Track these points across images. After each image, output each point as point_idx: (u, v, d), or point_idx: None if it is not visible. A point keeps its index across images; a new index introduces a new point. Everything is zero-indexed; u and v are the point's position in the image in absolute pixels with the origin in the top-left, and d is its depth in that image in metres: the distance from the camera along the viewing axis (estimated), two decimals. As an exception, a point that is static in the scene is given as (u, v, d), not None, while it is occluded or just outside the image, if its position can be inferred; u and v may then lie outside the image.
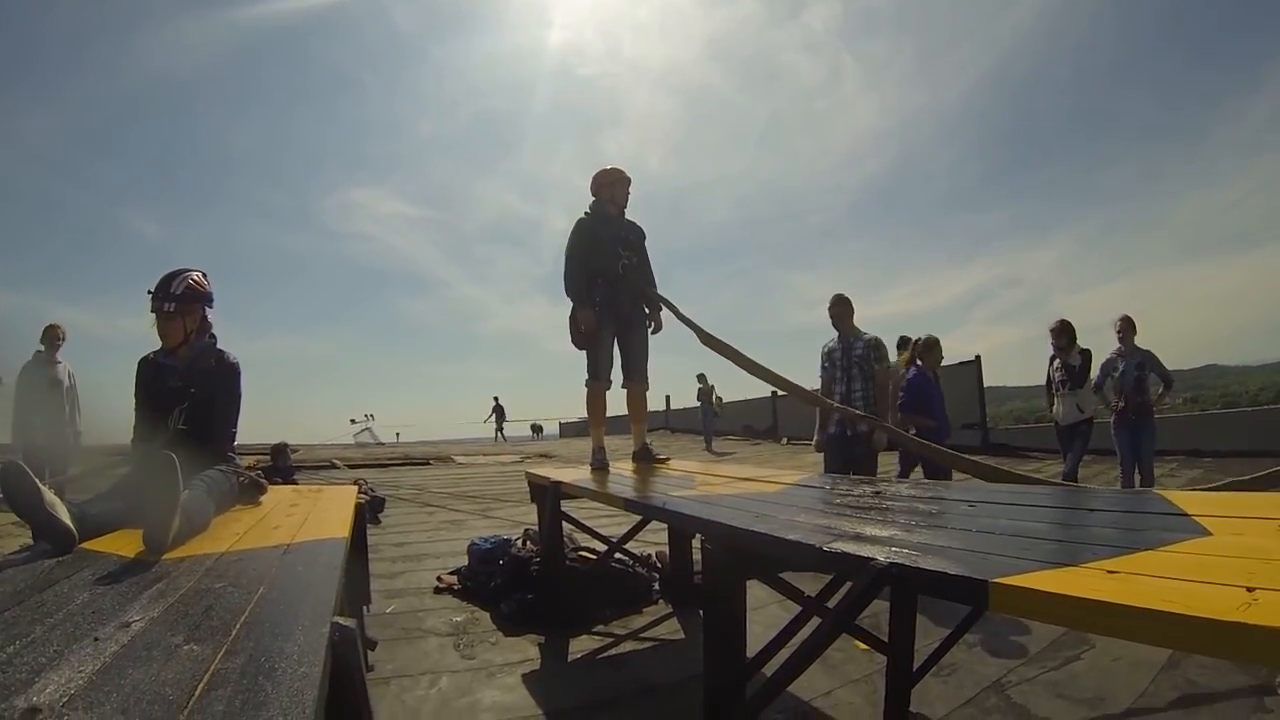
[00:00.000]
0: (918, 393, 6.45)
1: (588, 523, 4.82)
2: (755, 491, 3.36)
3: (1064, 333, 7.24)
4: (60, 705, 0.99)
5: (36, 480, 2.23)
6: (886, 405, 5.66)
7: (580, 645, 3.84)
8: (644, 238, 5.16)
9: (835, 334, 5.91)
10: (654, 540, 5.17)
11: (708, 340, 4.97)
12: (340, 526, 2.63)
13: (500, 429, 29.72)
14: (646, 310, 5.07)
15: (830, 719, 2.98)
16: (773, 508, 2.79)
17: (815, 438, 6.15)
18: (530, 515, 5.56)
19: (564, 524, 4.46)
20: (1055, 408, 7.37)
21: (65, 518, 2.24)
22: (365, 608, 3.92)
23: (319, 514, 2.99)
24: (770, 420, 20.53)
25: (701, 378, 18.72)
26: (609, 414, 5.18)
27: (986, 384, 14.84)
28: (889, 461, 7.20)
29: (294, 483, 7.08)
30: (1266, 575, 1.29)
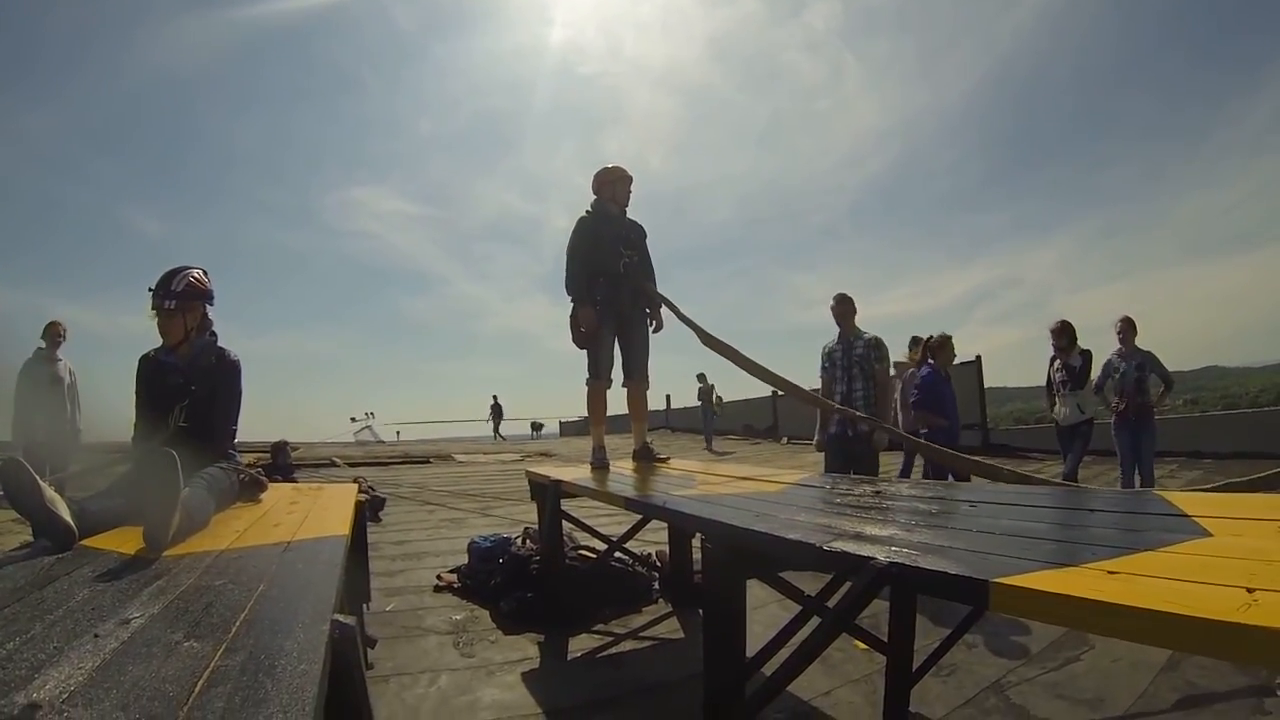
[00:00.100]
0: (931, 391, 6.43)
1: (588, 521, 4.83)
2: (755, 491, 3.36)
3: (1064, 333, 7.24)
4: (60, 702, 0.99)
5: (37, 477, 2.23)
6: (887, 404, 5.66)
7: (580, 644, 3.84)
8: (645, 236, 5.16)
9: (835, 334, 5.91)
10: (654, 539, 5.17)
11: (708, 340, 4.96)
12: (340, 524, 2.63)
13: (497, 427, 29.68)
14: (647, 309, 5.07)
15: (830, 718, 2.98)
16: (773, 507, 2.79)
17: (816, 437, 6.15)
18: (530, 514, 5.56)
19: (564, 523, 4.45)
20: (1056, 408, 7.37)
21: (65, 514, 2.24)
22: (365, 606, 3.92)
23: (319, 512, 2.99)
24: (770, 420, 20.53)
25: (702, 377, 18.73)
26: (609, 413, 5.18)
27: (987, 384, 14.85)
28: (889, 461, 7.20)
29: (294, 481, 7.08)
30: (1267, 576, 1.29)
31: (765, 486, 3.51)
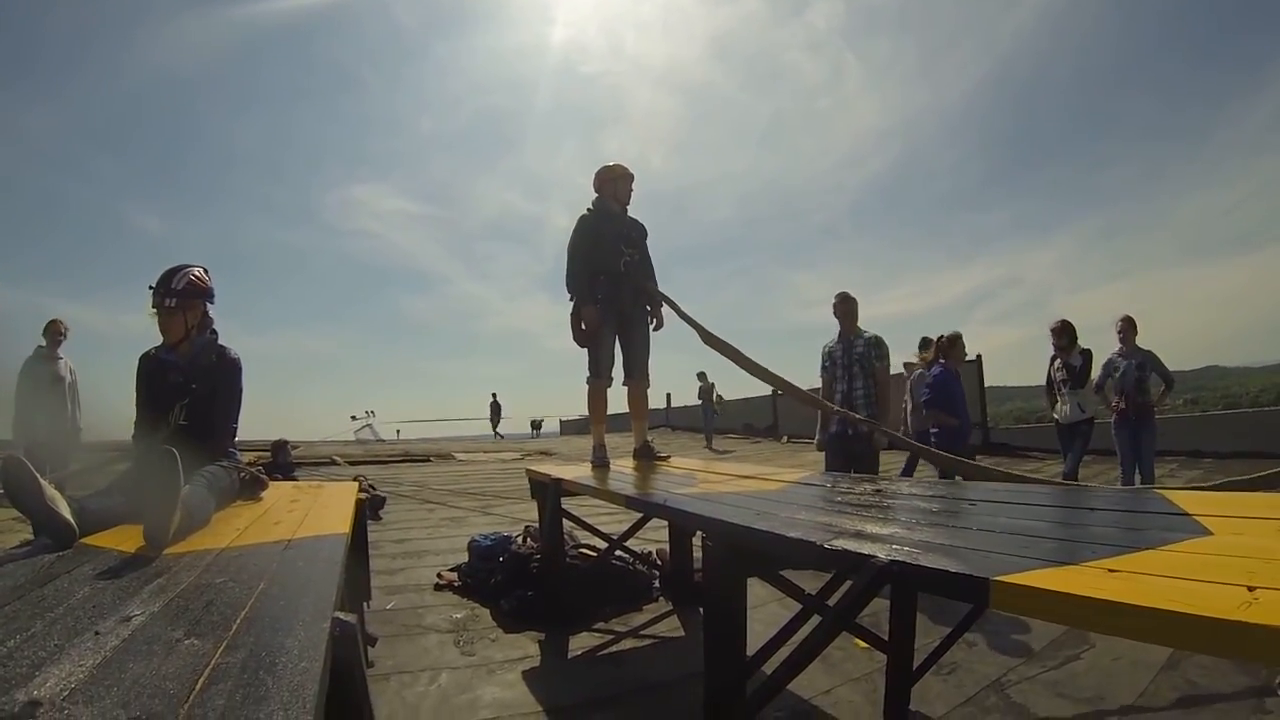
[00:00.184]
0: (943, 390, 6.42)
1: (588, 520, 4.83)
2: (756, 489, 3.36)
3: (1064, 332, 7.25)
4: (61, 699, 0.99)
5: (38, 475, 2.24)
6: (888, 403, 5.64)
7: (580, 642, 3.84)
8: (646, 235, 5.16)
9: (835, 333, 5.90)
10: (654, 538, 5.17)
11: (709, 339, 4.96)
12: (341, 522, 2.63)
13: (496, 425, 29.62)
14: (648, 308, 5.06)
15: (830, 717, 2.98)
16: (774, 505, 2.79)
17: (817, 437, 6.15)
18: (530, 512, 5.56)
19: (565, 521, 4.45)
20: (1057, 407, 7.37)
21: (66, 512, 2.24)
22: (366, 604, 3.92)
23: (319, 510, 2.99)
24: (771, 419, 20.54)
25: (702, 376, 18.75)
26: (610, 411, 5.18)
27: (987, 384, 14.86)
28: (891, 461, 7.20)
29: (294, 479, 7.08)
30: (1267, 575, 1.29)
31: (766, 485, 3.51)
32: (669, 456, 5.09)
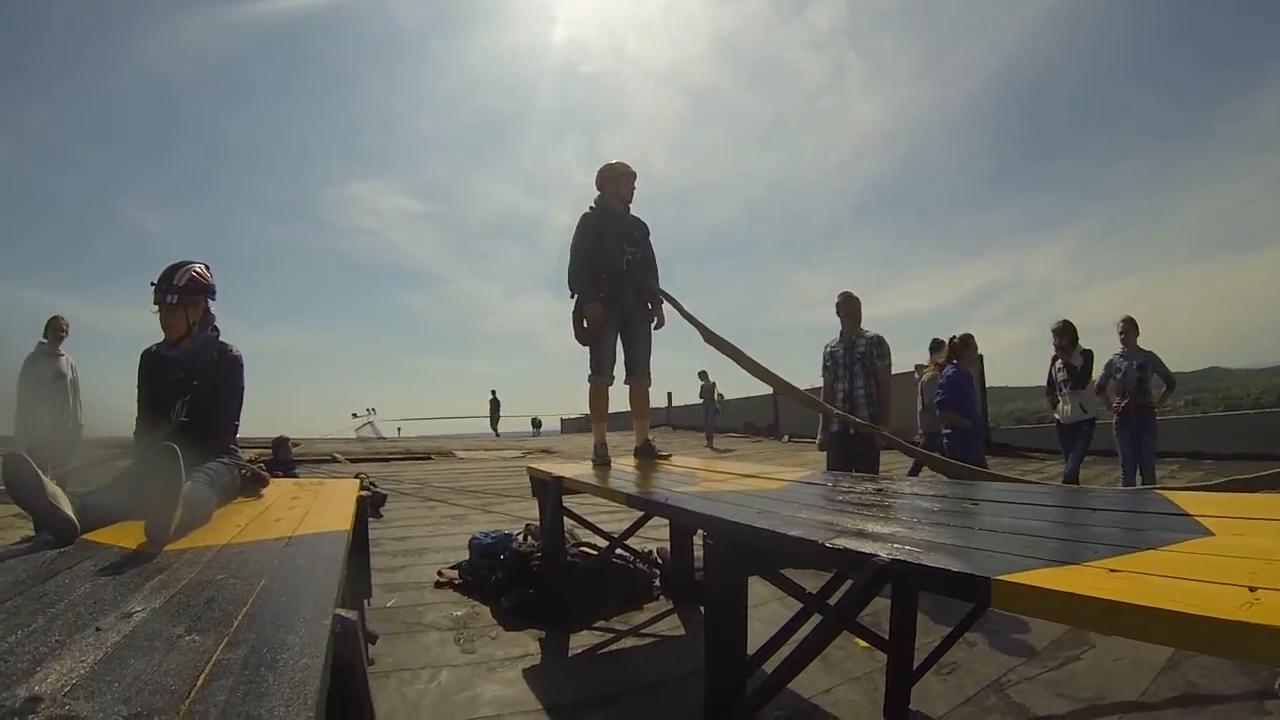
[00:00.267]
0: (956, 390, 6.41)
1: (589, 518, 4.82)
2: (757, 488, 3.36)
3: (1066, 333, 7.25)
4: (62, 695, 0.99)
5: (39, 471, 2.24)
6: (889, 403, 5.64)
7: (581, 640, 3.85)
8: (648, 233, 5.15)
9: (837, 333, 5.90)
10: (655, 537, 5.18)
11: (710, 338, 4.96)
12: (342, 520, 2.63)
13: (495, 423, 29.56)
14: (650, 306, 5.06)
15: (831, 716, 2.98)
16: (775, 504, 2.79)
17: (819, 436, 6.15)
18: (531, 510, 5.56)
19: (565, 519, 4.46)
20: (1058, 407, 7.37)
21: (67, 508, 2.24)
22: (366, 601, 3.92)
23: (320, 507, 2.99)
24: (772, 418, 20.56)
25: (704, 374, 18.77)
26: (611, 410, 5.18)
27: (988, 384, 14.87)
28: (892, 460, 7.20)
29: (295, 476, 7.09)
30: (1269, 575, 1.29)
31: (767, 484, 3.51)
32: (670, 455, 5.09)
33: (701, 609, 3.36)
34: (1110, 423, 7.38)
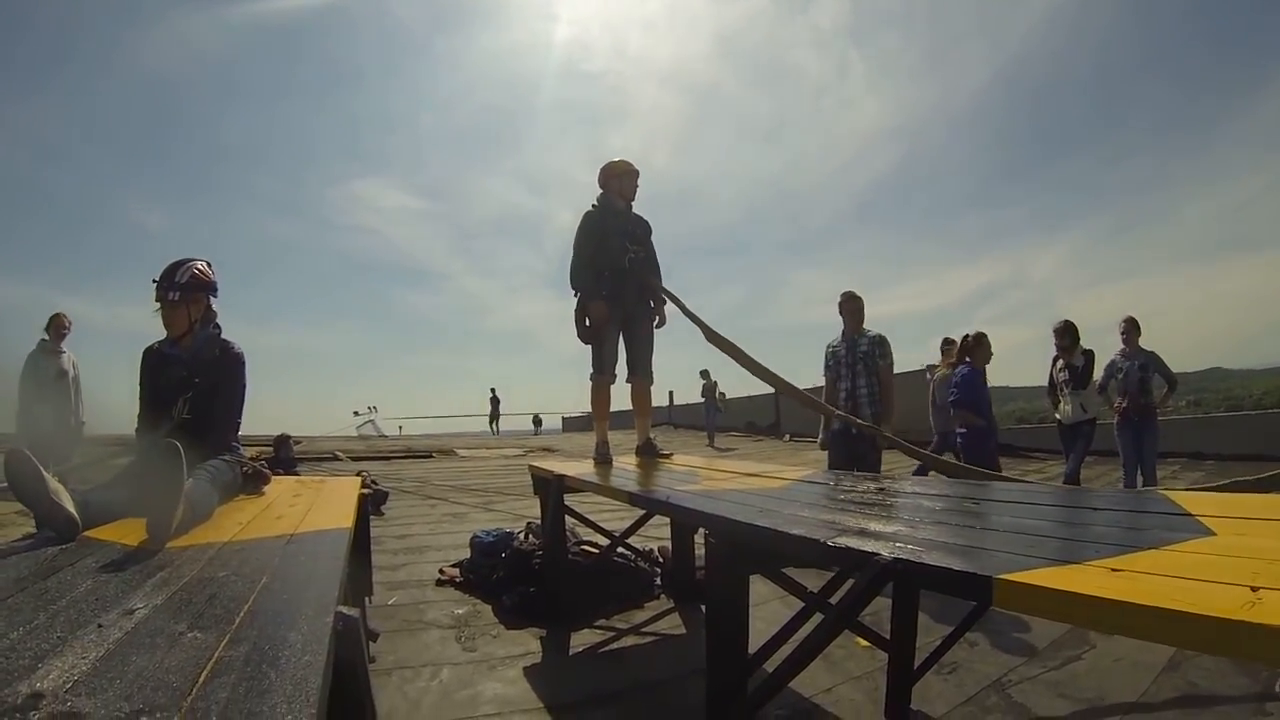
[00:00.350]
0: (970, 390, 6.40)
1: (590, 517, 4.82)
2: (759, 487, 3.36)
3: (1067, 333, 7.25)
4: (64, 691, 0.99)
5: (41, 468, 2.24)
6: (891, 403, 5.64)
7: (582, 639, 3.85)
8: (650, 231, 5.14)
9: (839, 332, 5.90)
10: (656, 535, 5.18)
11: (712, 338, 4.96)
12: (343, 517, 2.64)
13: (494, 421, 29.49)
14: (652, 304, 5.06)
15: (832, 715, 2.98)
16: (777, 503, 2.79)
17: (820, 435, 6.14)
18: (532, 509, 5.56)
19: (567, 518, 4.45)
20: (1059, 408, 7.37)
21: (69, 505, 2.25)
22: (367, 599, 3.92)
23: (322, 504, 3.00)
24: (773, 417, 20.57)
25: (705, 373, 18.78)
26: (612, 408, 5.17)
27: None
28: (893, 461, 7.20)
29: (296, 474, 7.09)
30: (1270, 575, 1.29)
31: (769, 483, 3.51)
32: (671, 454, 5.09)
33: (703, 608, 3.36)
34: (1111, 423, 7.38)
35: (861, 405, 5.58)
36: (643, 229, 5.08)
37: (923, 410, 8.82)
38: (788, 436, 19.03)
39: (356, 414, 28.93)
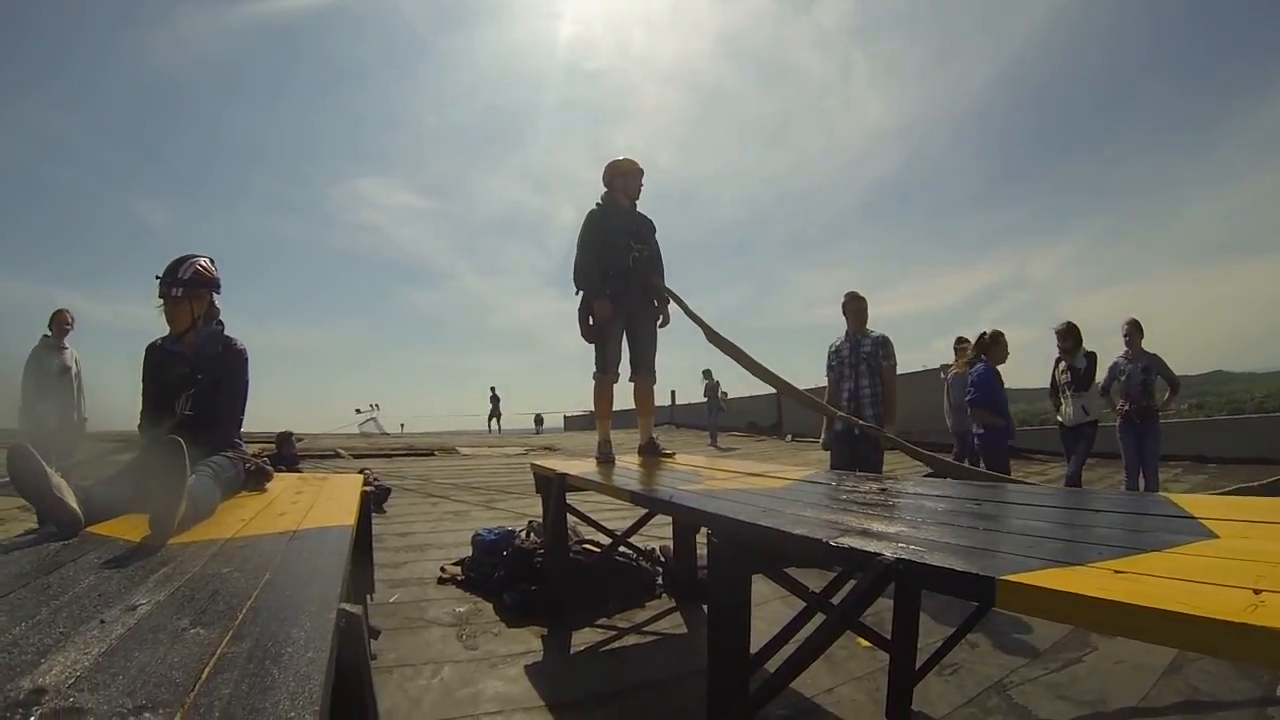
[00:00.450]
0: (987, 389, 6.38)
1: (592, 516, 4.82)
2: (761, 487, 3.36)
3: (1069, 335, 7.23)
4: (66, 687, 0.99)
5: (44, 464, 2.24)
6: (894, 403, 5.63)
7: (583, 638, 3.85)
8: (654, 230, 5.13)
9: (842, 332, 5.90)
10: (658, 535, 5.18)
11: (714, 339, 4.96)
12: (346, 514, 2.64)
13: (491, 420, 29.30)
14: (656, 303, 5.05)
15: (833, 716, 2.98)
16: (779, 502, 2.79)
17: (823, 435, 6.13)
18: (534, 507, 5.56)
19: (568, 516, 4.45)
20: (1061, 409, 7.35)
21: (72, 501, 2.25)
22: (369, 597, 3.92)
23: (324, 501, 3.00)
24: (775, 417, 20.56)
25: (707, 373, 18.77)
26: (614, 407, 5.16)
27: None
28: (895, 461, 7.20)
29: (298, 471, 7.09)
30: (1273, 578, 1.29)
31: (771, 482, 3.51)
32: (674, 453, 5.09)
33: (704, 607, 3.36)
34: (1113, 425, 7.37)
35: (864, 405, 5.58)
36: (647, 228, 5.07)
37: (926, 410, 8.82)
38: (790, 437, 19.03)
39: (359, 411, 28.95)
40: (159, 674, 1.03)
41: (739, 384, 21.74)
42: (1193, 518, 1.99)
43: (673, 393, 25.79)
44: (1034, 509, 2.53)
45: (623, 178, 5.02)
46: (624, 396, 5.09)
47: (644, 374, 5.01)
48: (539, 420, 32.25)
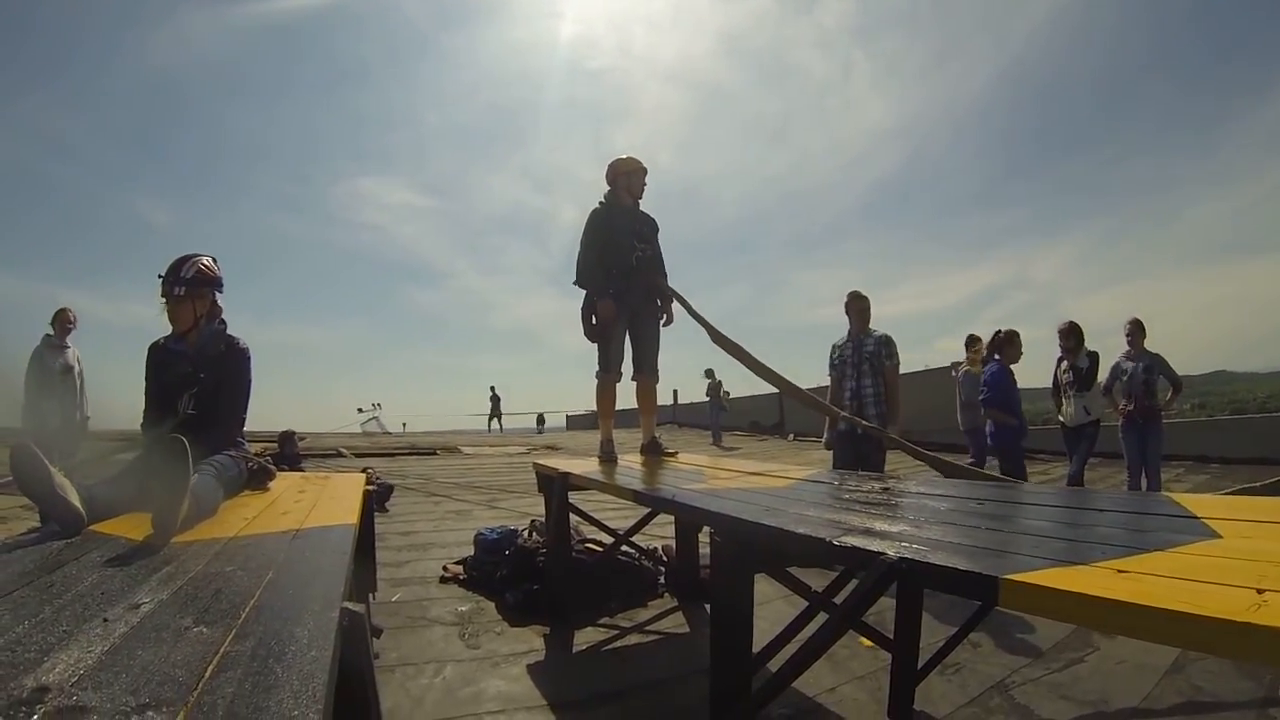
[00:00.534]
0: (1000, 388, 6.37)
1: (594, 515, 4.82)
2: (764, 486, 3.36)
3: (1072, 334, 7.22)
4: (69, 685, 0.99)
5: (47, 462, 2.25)
6: (897, 403, 5.63)
7: (585, 637, 3.85)
8: (657, 229, 5.12)
9: (845, 332, 5.90)
10: (660, 534, 5.17)
11: (718, 339, 4.96)
12: (349, 513, 2.64)
13: (490, 420, 29.22)
14: (658, 303, 5.05)
15: (835, 715, 2.97)
16: (782, 501, 2.79)
17: (825, 435, 6.13)
18: (536, 507, 5.56)
19: (571, 516, 4.45)
20: (1063, 409, 7.34)
21: (75, 499, 2.25)
22: (371, 595, 3.93)
23: (327, 500, 3.00)
24: (777, 416, 20.56)
25: (710, 373, 18.76)
26: (617, 407, 5.15)
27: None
28: (896, 461, 7.20)
29: (301, 470, 7.10)
30: (1276, 578, 1.29)
31: (774, 482, 3.51)
32: (676, 452, 5.08)
33: (706, 606, 3.36)
34: (1115, 425, 7.37)
35: (867, 405, 5.58)
36: (650, 227, 5.07)
37: (928, 410, 8.81)
38: (792, 436, 19.02)
39: (361, 410, 28.97)
40: (162, 672, 1.03)
41: (741, 383, 21.75)
42: (1195, 517, 1.99)
43: (675, 392, 25.80)
44: (1037, 509, 2.54)
45: (626, 176, 5.01)
46: (626, 396, 5.10)
47: (647, 373, 5.01)
48: (541, 419, 32.21)
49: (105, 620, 1.28)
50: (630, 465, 4.71)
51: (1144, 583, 1.34)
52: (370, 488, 3.78)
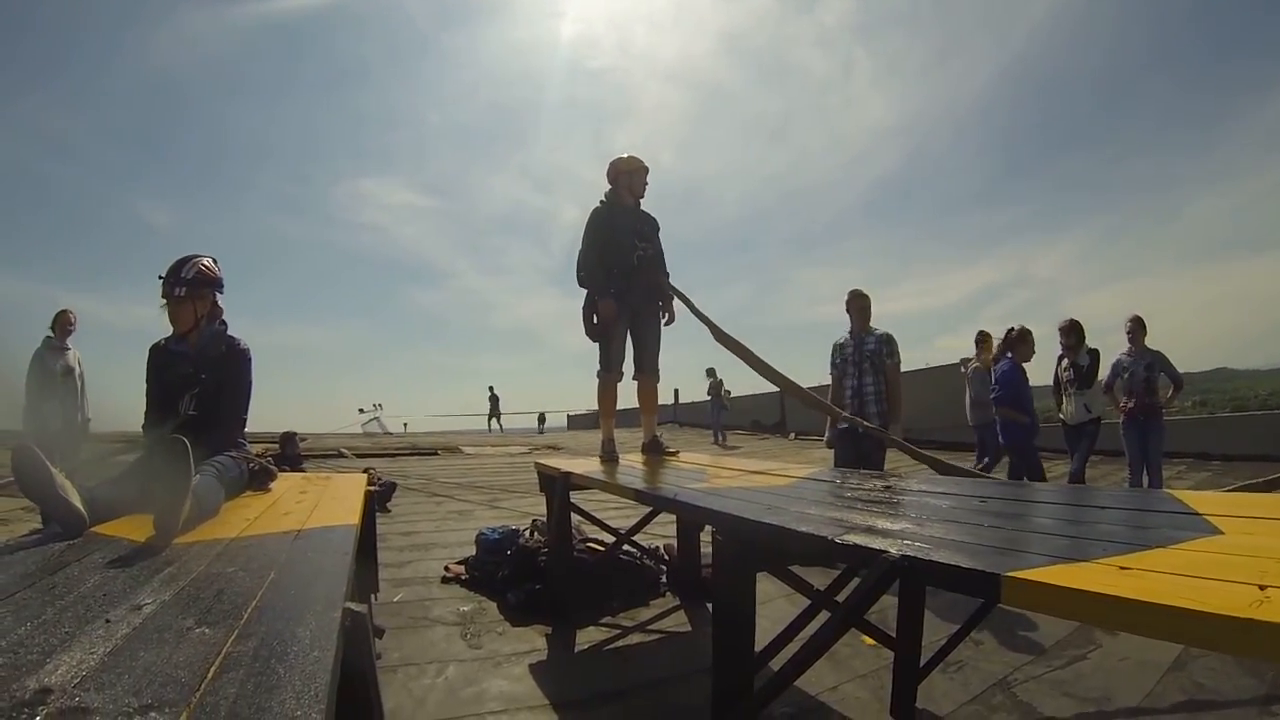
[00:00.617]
0: (1011, 386, 6.37)
1: (596, 514, 4.82)
2: (766, 485, 3.36)
3: (1072, 332, 7.21)
4: (72, 686, 0.99)
5: (48, 464, 2.25)
6: (898, 401, 5.63)
7: (587, 636, 3.85)
8: (658, 229, 5.11)
9: (846, 330, 5.89)
10: (662, 533, 5.17)
11: (721, 337, 4.95)
12: (350, 513, 2.64)
13: (489, 419, 29.17)
14: (660, 302, 5.04)
15: (837, 713, 2.98)
16: (784, 500, 2.79)
17: (826, 433, 6.14)
18: (537, 506, 5.56)
19: (572, 515, 4.45)
20: (1064, 407, 7.34)
21: (76, 501, 2.25)
22: (373, 596, 3.93)
23: (329, 501, 3.00)
24: (778, 415, 20.56)
25: (711, 372, 18.77)
26: (618, 406, 5.15)
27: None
28: (897, 460, 7.19)
29: (302, 471, 7.10)
30: (1278, 574, 1.29)
31: (775, 480, 3.50)
32: (678, 452, 5.08)
33: (708, 605, 3.36)
34: (1116, 422, 7.37)
35: (868, 403, 5.58)
36: (651, 226, 5.06)
37: (929, 408, 8.81)
38: (793, 435, 19.03)
39: (362, 411, 28.99)
40: (164, 673, 1.03)
41: (742, 382, 21.75)
42: (1197, 514, 1.99)
43: (676, 391, 25.80)
44: (1038, 506, 2.53)
45: (627, 175, 5.00)
46: (628, 395, 5.09)
47: (648, 372, 5.01)
48: (542, 419, 32.22)
49: (107, 621, 1.28)
50: (632, 464, 4.71)
51: (1146, 579, 1.34)
52: (372, 488, 3.78)
